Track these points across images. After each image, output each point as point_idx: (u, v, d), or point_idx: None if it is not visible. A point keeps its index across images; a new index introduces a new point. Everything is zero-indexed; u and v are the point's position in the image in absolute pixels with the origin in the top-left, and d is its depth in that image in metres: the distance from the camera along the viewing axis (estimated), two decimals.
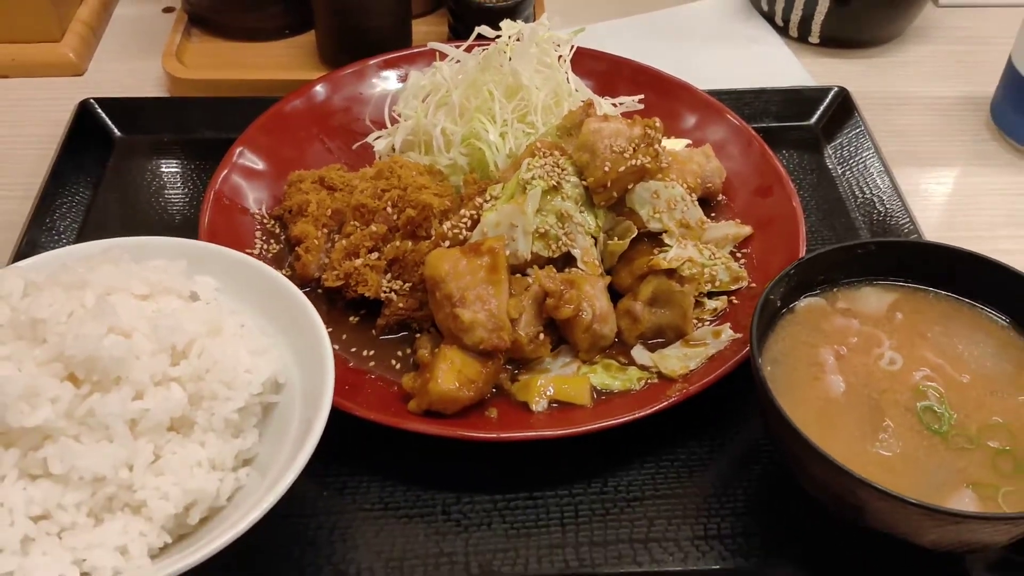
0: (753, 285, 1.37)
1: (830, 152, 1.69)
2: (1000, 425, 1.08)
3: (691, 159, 1.46)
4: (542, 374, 1.26)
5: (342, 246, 1.34)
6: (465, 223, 1.31)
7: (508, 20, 1.54)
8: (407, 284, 1.31)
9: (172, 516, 0.98)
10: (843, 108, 1.73)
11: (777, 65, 1.94)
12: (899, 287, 1.22)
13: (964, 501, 1.02)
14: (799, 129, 1.73)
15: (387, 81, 1.65)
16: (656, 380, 1.25)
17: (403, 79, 1.63)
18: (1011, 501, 1.02)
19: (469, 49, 1.56)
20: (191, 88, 1.76)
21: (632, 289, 1.31)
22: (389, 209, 1.36)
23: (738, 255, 1.42)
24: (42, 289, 1.05)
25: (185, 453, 1.01)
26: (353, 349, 1.30)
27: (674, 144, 1.54)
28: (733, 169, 1.52)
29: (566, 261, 1.32)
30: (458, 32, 1.84)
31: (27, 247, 1.41)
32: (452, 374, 1.19)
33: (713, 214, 1.49)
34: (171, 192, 1.56)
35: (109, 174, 1.58)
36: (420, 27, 1.89)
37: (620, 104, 1.59)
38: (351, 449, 1.18)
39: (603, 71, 1.67)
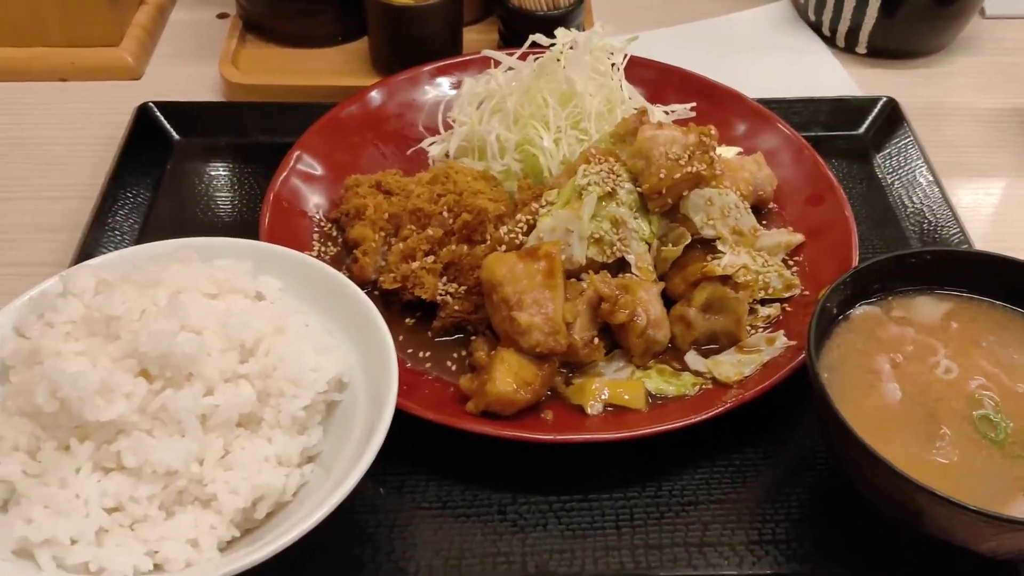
0: (806, 293, 1.37)
1: (879, 161, 1.69)
2: None
3: (743, 167, 1.47)
4: (596, 378, 1.27)
5: (399, 249, 1.36)
6: (521, 228, 1.33)
7: (562, 28, 1.56)
8: (462, 287, 1.33)
9: (240, 510, 1.00)
10: (892, 118, 1.74)
11: (824, 75, 1.95)
12: (953, 296, 1.22)
13: (1021, 509, 1.02)
14: (848, 138, 1.73)
15: (440, 88, 1.67)
16: (710, 386, 1.26)
17: (456, 86, 1.66)
18: None
19: (523, 57, 1.58)
20: (246, 93, 1.79)
21: (685, 295, 1.33)
22: (445, 213, 1.38)
23: (790, 263, 1.43)
24: (114, 287, 1.07)
25: (253, 448, 1.03)
26: (410, 350, 1.31)
27: (725, 152, 1.55)
28: (784, 177, 1.53)
29: (620, 267, 1.33)
30: (508, 39, 1.86)
31: (90, 247, 1.43)
32: (509, 376, 1.20)
33: (764, 222, 1.49)
34: (229, 194, 1.59)
35: (168, 176, 1.61)
36: (470, 34, 1.91)
37: (672, 112, 1.61)
38: (409, 448, 1.20)
39: (653, 79, 1.68)
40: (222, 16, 2.02)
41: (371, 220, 1.40)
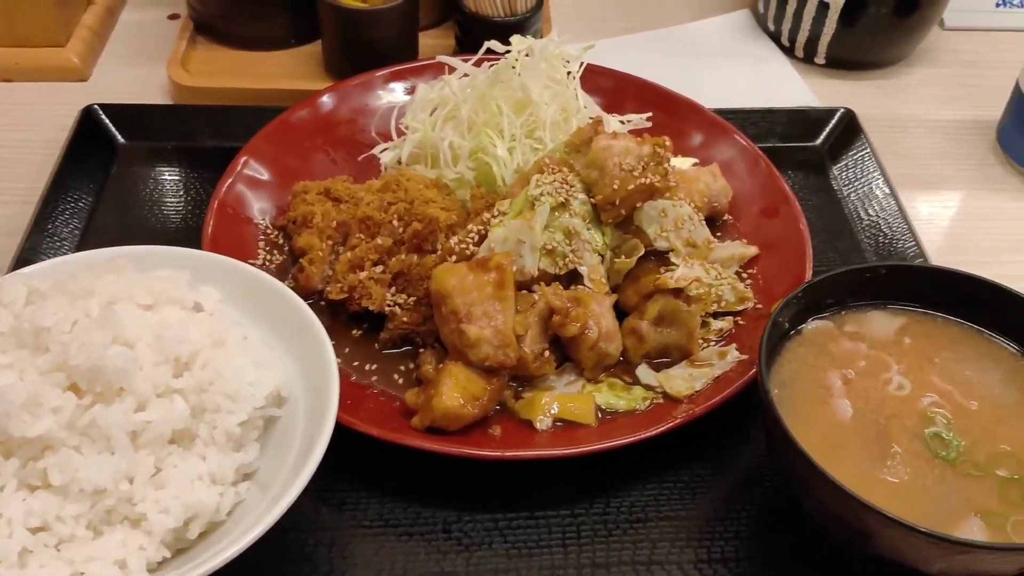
0: (759, 306, 1.36)
1: (835, 173, 1.68)
2: (1009, 454, 1.07)
3: (698, 178, 1.46)
4: (546, 392, 1.25)
5: (346, 258, 1.33)
6: (472, 238, 1.30)
7: (518, 35, 1.54)
8: (411, 298, 1.30)
9: (171, 530, 0.97)
10: (849, 129, 1.73)
11: (782, 85, 1.94)
12: (908, 311, 1.21)
13: (972, 530, 1.01)
14: (805, 150, 1.72)
15: (394, 93, 1.64)
16: (661, 400, 1.25)
17: (410, 91, 1.63)
18: (1020, 531, 1.01)
19: (478, 63, 1.55)
20: (196, 96, 1.74)
21: (638, 308, 1.31)
22: (395, 222, 1.35)
23: (743, 275, 1.42)
24: (46, 297, 1.04)
25: (186, 466, 0.99)
26: (355, 363, 1.28)
27: (681, 163, 1.53)
28: (739, 189, 1.52)
29: (572, 278, 1.31)
30: (465, 45, 1.83)
31: (28, 253, 1.39)
32: (457, 390, 1.18)
33: (719, 234, 1.48)
34: (174, 200, 1.55)
35: (112, 181, 1.57)
36: (426, 40, 1.88)
37: (628, 122, 1.59)
38: (351, 464, 1.17)
39: (610, 88, 1.66)
40: (173, 17, 1.98)
41: (318, 228, 1.37)
